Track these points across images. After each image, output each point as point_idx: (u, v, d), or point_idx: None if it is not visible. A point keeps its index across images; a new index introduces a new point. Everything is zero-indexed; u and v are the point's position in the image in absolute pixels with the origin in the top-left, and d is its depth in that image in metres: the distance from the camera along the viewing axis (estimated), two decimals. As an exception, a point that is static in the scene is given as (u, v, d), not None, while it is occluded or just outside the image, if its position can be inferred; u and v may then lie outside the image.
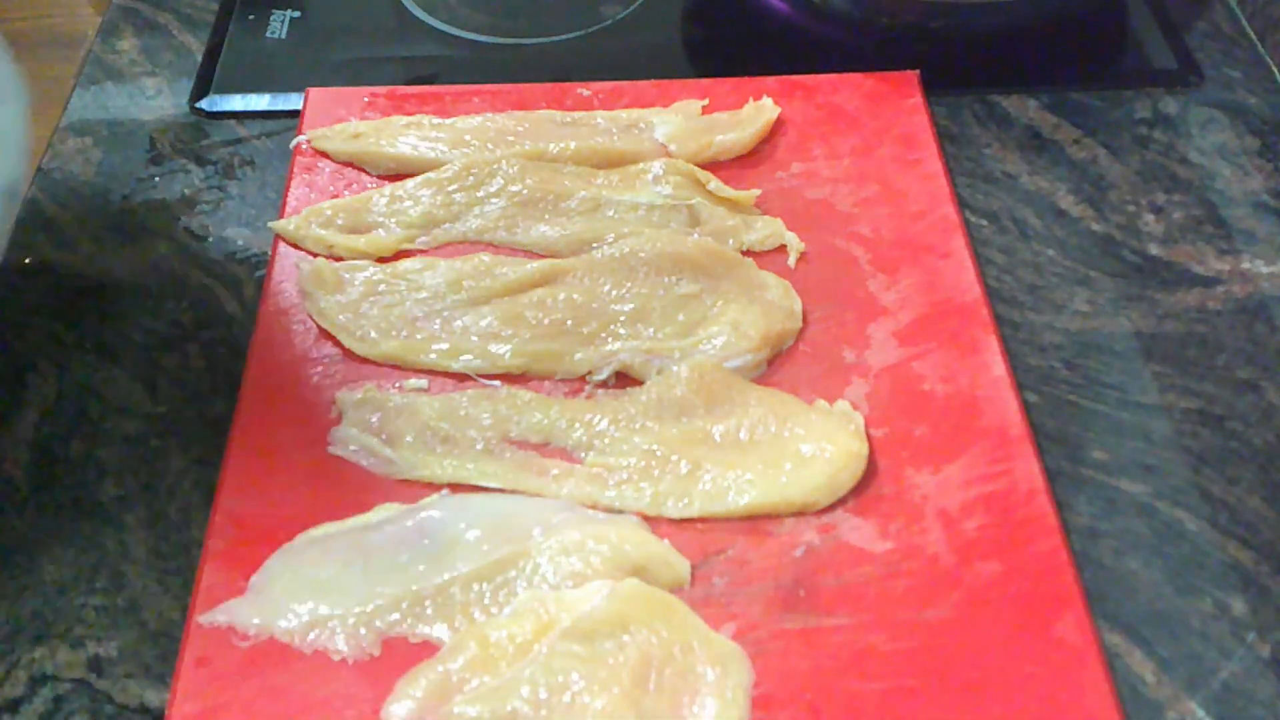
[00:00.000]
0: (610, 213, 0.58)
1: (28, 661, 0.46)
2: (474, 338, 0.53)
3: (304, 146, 0.62)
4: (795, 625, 0.44)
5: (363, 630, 0.44)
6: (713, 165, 0.60)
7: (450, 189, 0.59)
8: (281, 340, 0.54)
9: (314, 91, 0.65)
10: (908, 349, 0.53)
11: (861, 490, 0.48)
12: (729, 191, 0.58)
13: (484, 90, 0.65)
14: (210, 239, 0.60)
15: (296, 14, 0.73)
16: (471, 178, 0.59)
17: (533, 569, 0.45)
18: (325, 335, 0.54)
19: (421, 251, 0.57)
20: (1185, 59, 0.68)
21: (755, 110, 0.62)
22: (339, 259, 0.57)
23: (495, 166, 0.59)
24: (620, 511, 0.48)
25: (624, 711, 0.41)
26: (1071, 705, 0.42)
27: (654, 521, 0.47)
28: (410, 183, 0.59)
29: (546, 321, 0.53)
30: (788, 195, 0.59)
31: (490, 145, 0.60)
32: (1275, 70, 0.67)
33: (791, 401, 0.50)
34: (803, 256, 0.56)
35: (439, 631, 0.44)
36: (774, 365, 0.52)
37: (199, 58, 0.70)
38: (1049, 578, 0.45)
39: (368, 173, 0.61)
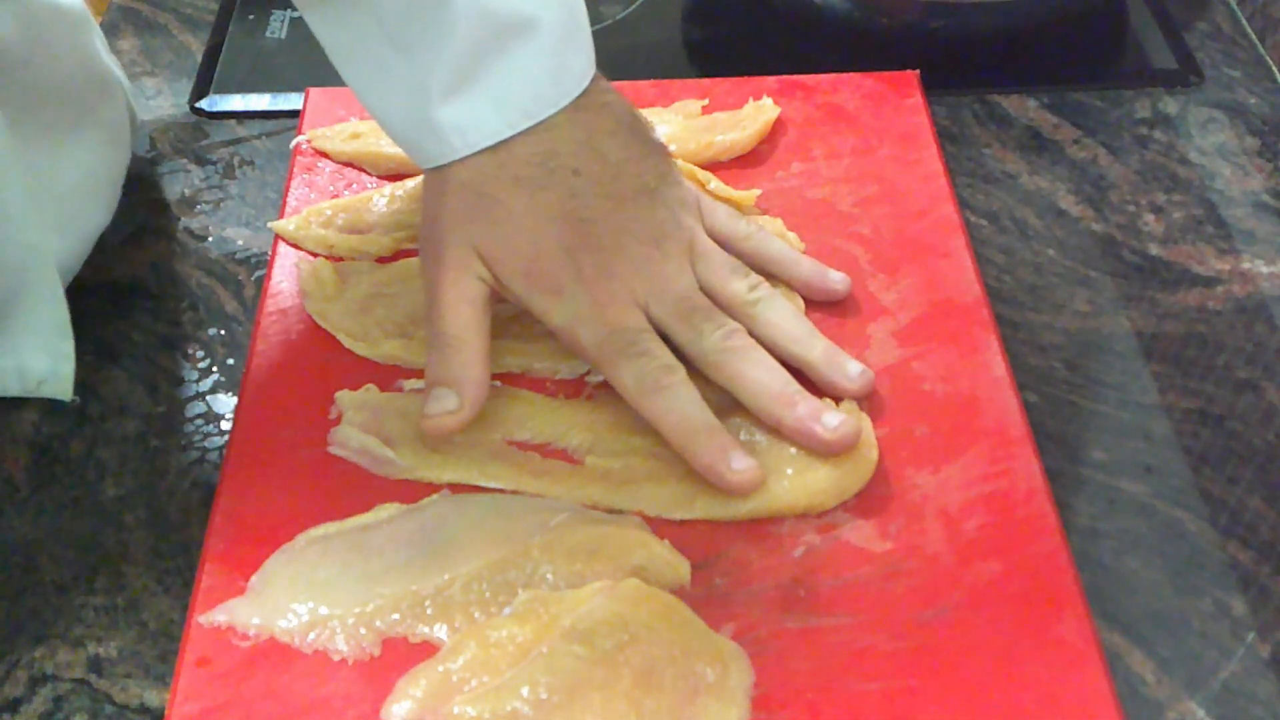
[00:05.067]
0: (610, 213, 0.58)
1: (28, 661, 0.46)
2: (474, 338, 0.53)
3: (304, 146, 0.62)
4: (795, 625, 0.44)
5: (363, 630, 0.44)
6: (713, 165, 0.60)
7: (450, 189, 0.59)
8: (281, 340, 0.54)
9: (314, 91, 0.65)
10: (908, 349, 0.53)
11: (861, 490, 0.48)
12: (729, 191, 0.58)
13: (484, 90, 0.65)
14: (210, 239, 0.60)
15: (296, 14, 0.73)
16: (471, 178, 0.59)
17: (533, 569, 0.45)
18: (325, 335, 0.54)
19: (421, 251, 0.57)
20: (1185, 59, 0.68)
21: (755, 110, 0.62)
22: (339, 259, 0.57)
23: (495, 166, 0.59)
24: (621, 512, 0.48)
25: (624, 712, 0.41)
26: (1071, 705, 0.42)
27: (654, 521, 0.47)
28: (410, 183, 0.59)
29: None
30: (788, 195, 0.59)
31: (490, 145, 0.60)
32: (1275, 70, 0.67)
33: (792, 401, 0.50)
34: (803, 256, 0.56)
35: (439, 631, 0.44)
36: (774, 365, 0.52)
37: (199, 58, 0.70)
38: (1049, 578, 0.45)
39: (368, 173, 0.61)
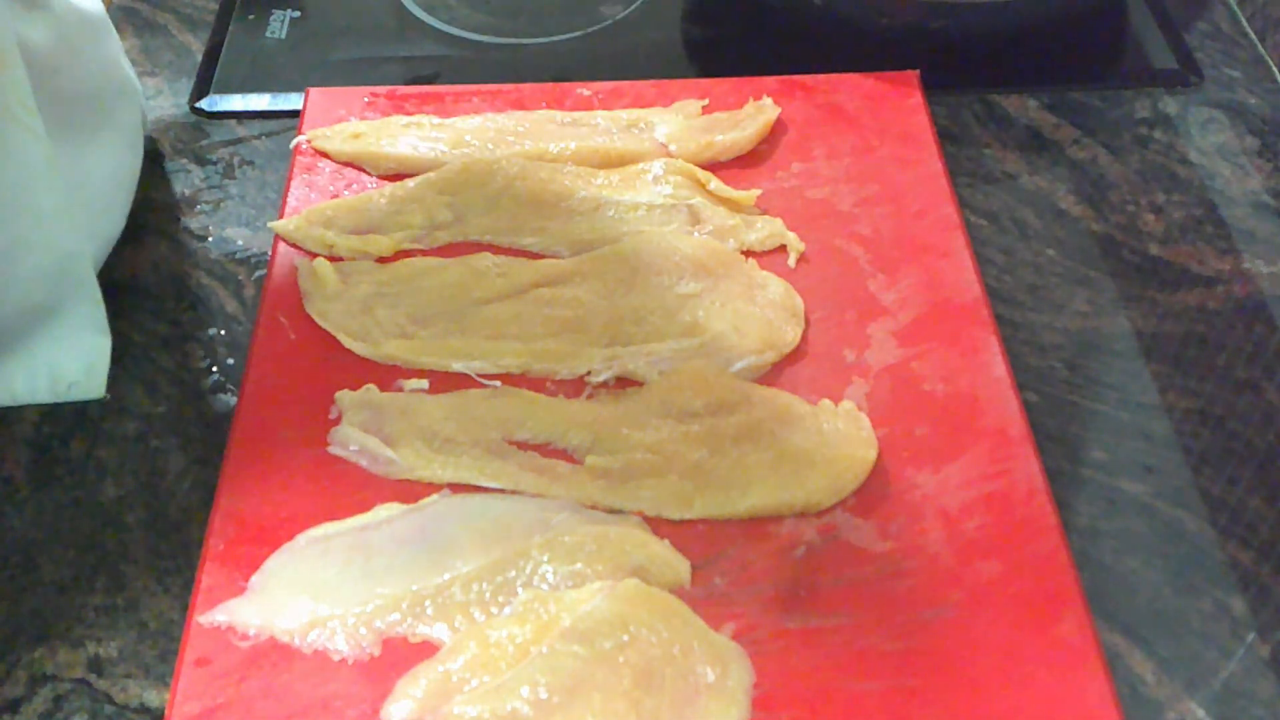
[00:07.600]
0: (610, 213, 0.58)
1: (28, 661, 0.46)
2: (474, 338, 0.53)
3: (304, 146, 0.62)
4: (795, 625, 0.44)
5: (363, 630, 0.44)
6: (713, 165, 0.60)
7: (451, 189, 0.59)
8: (281, 340, 0.54)
9: (314, 91, 0.65)
10: (908, 349, 0.53)
11: (861, 490, 0.48)
12: (729, 191, 0.58)
13: (484, 90, 0.65)
14: (210, 239, 0.60)
15: (296, 14, 0.73)
16: (472, 178, 0.59)
17: (533, 569, 0.45)
18: (325, 335, 0.54)
19: (422, 252, 0.57)
20: (1185, 59, 0.68)
21: (755, 110, 0.62)
22: (339, 259, 0.57)
23: (495, 166, 0.59)
24: (621, 512, 0.48)
25: (624, 712, 0.41)
26: (1071, 705, 0.42)
27: (654, 521, 0.47)
28: (410, 183, 0.59)
29: (547, 322, 0.53)
30: (788, 195, 0.59)
31: (490, 145, 0.60)
32: (1275, 70, 0.67)
33: (794, 402, 0.50)
34: (803, 256, 0.56)
35: (439, 631, 0.44)
36: (774, 365, 0.52)
37: (199, 58, 0.70)
38: (1049, 578, 0.45)
39: (368, 173, 0.61)
